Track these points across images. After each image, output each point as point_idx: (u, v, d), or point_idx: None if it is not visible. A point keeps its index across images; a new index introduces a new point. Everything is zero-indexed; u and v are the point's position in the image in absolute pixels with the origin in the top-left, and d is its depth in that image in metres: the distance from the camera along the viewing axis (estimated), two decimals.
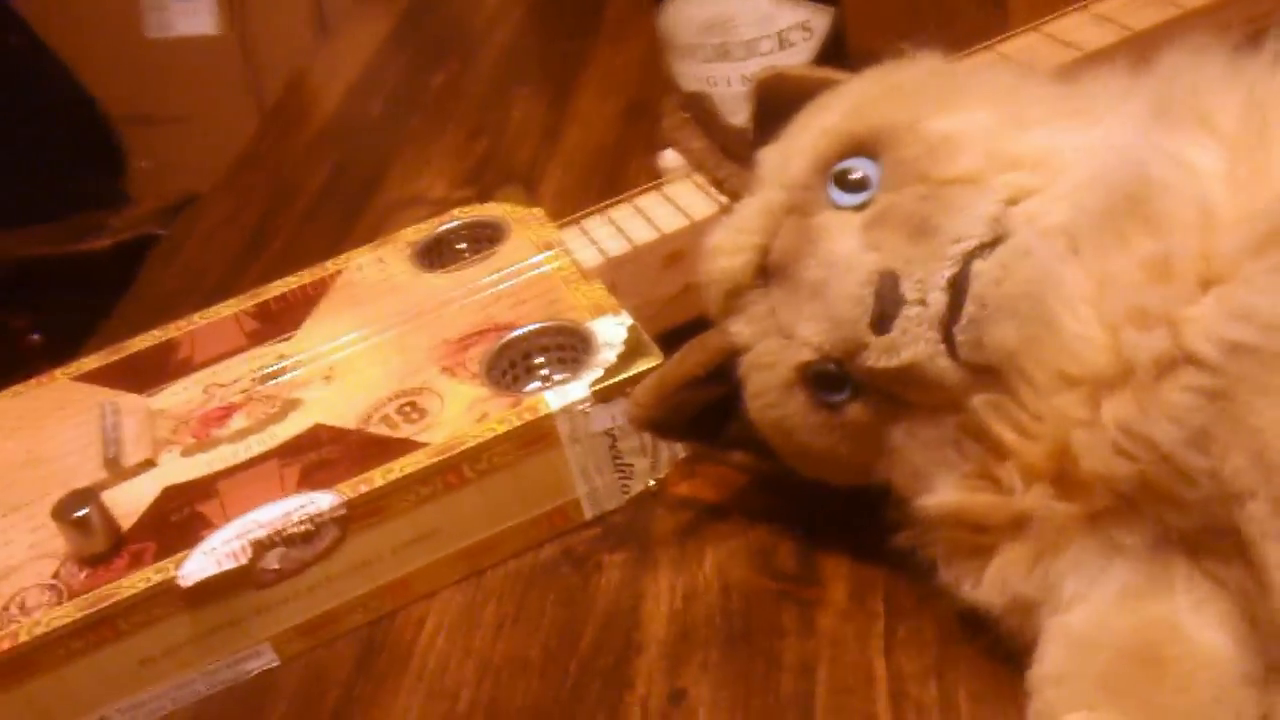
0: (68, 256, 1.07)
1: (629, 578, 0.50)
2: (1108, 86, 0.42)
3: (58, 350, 1.09)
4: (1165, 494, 0.34)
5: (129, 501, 0.51)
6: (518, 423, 0.50)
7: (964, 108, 0.41)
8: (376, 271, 0.62)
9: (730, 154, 0.47)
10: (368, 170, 0.86)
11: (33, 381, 0.61)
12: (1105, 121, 0.40)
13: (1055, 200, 0.38)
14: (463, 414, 0.51)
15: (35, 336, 1.09)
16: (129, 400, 0.57)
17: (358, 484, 0.49)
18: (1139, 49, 0.62)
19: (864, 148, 0.41)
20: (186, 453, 0.53)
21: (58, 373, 0.61)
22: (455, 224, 0.64)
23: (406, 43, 1.06)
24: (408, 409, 0.52)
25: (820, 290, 0.40)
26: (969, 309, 0.37)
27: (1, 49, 1.93)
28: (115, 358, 0.61)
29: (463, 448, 0.49)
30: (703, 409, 0.46)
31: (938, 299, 0.37)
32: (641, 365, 0.51)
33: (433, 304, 0.58)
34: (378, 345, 0.57)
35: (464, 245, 0.63)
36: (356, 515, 0.49)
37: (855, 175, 0.41)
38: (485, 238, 0.63)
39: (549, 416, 0.50)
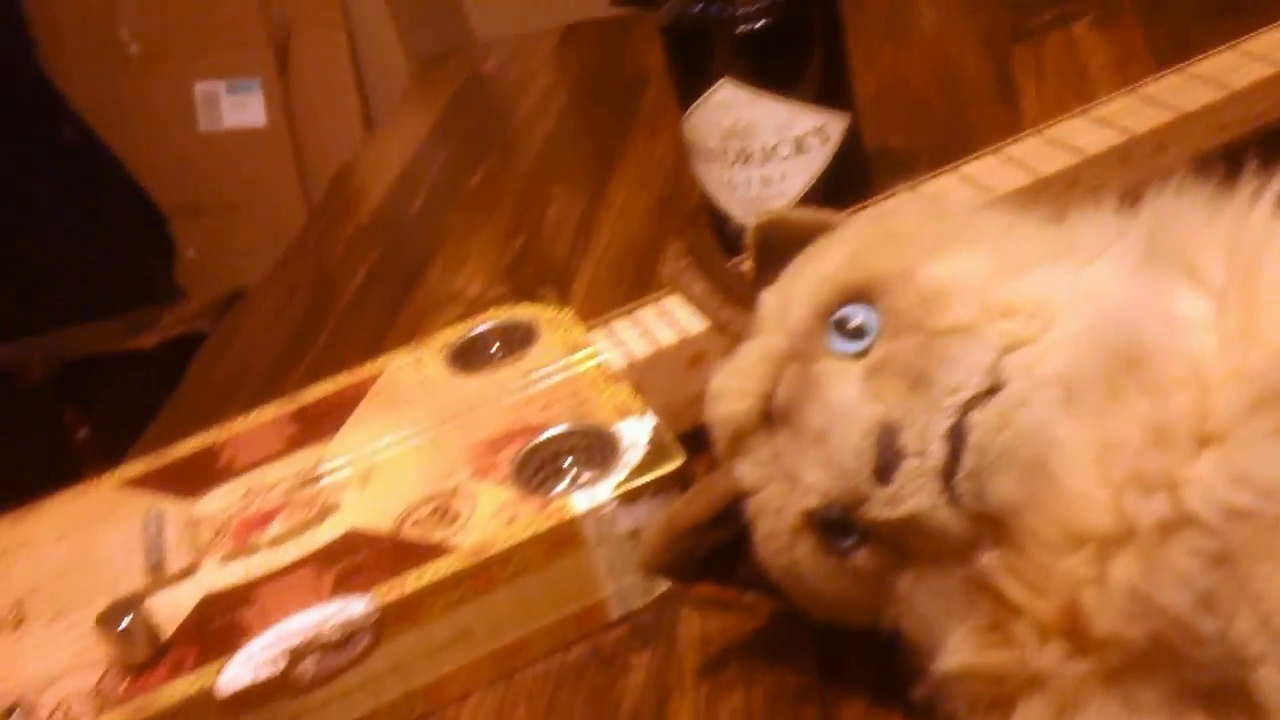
0: (116, 354, 1.10)
1: (655, 678, 0.51)
2: (1097, 226, 0.43)
3: (108, 445, 1.12)
4: (1179, 653, 0.34)
5: (170, 608, 0.52)
6: (545, 526, 0.51)
7: (957, 252, 0.42)
8: (413, 373, 0.64)
9: (732, 296, 0.48)
10: (408, 266, 0.88)
11: (82, 486, 0.63)
12: (1096, 263, 0.41)
13: (1049, 349, 0.38)
14: (493, 517, 0.52)
15: (85, 431, 1.11)
16: (172, 506, 0.59)
17: (391, 589, 0.50)
18: (1136, 152, 0.64)
19: (862, 295, 0.42)
20: (226, 559, 0.55)
21: (105, 477, 0.63)
22: (489, 325, 0.66)
23: (448, 138, 1.09)
24: (440, 512, 0.54)
25: (823, 438, 0.40)
26: (969, 459, 0.37)
27: (55, 142, 1.99)
28: (161, 463, 0.63)
29: (492, 551, 0.51)
30: (713, 550, 0.47)
31: (937, 450, 0.38)
32: (665, 467, 0.52)
33: (466, 406, 0.60)
34: (413, 449, 0.58)
35: (497, 347, 0.65)
36: (390, 620, 0.50)
37: (853, 323, 0.42)
38: (517, 339, 0.65)
39: (575, 519, 0.51)
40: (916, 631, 0.41)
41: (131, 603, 0.51)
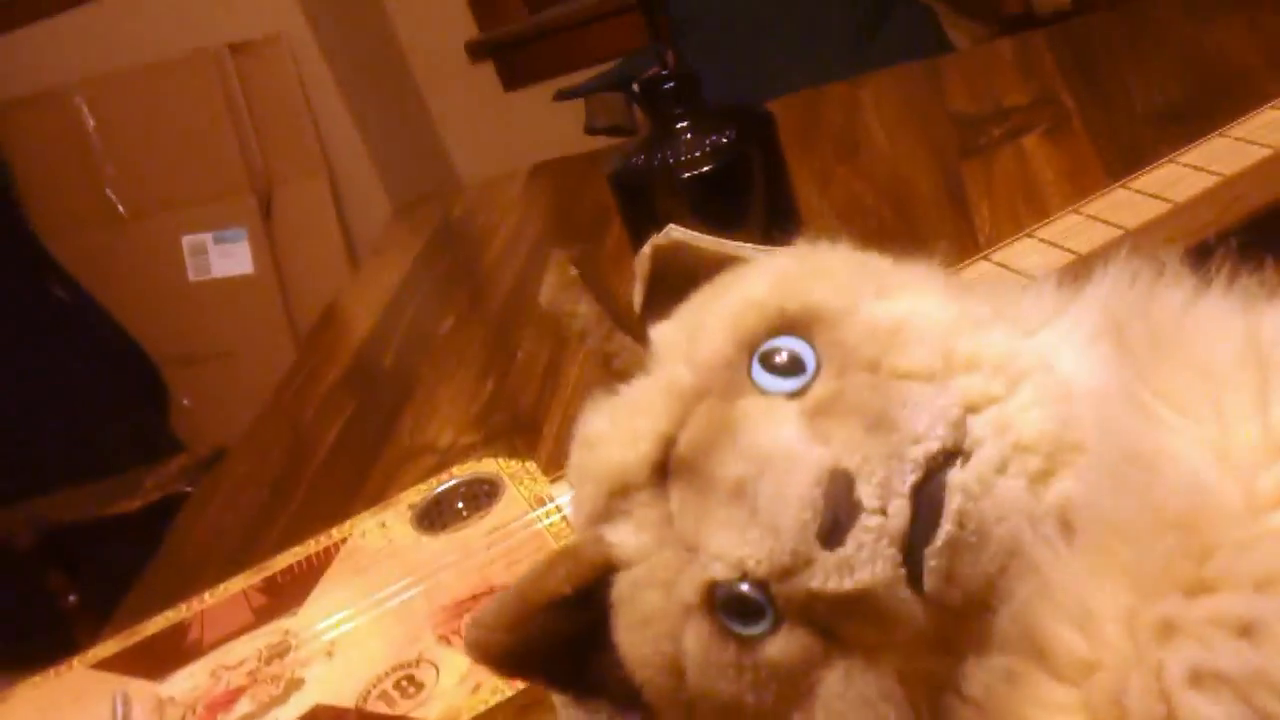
0: (100, 520, 1.10)
1: None
2: (1037, 298, 0.38)
3: (95, 609, 1.12)
4: None
5: None
6: (510, 692, 0.51)
7: (904, 293, 0.36)
8: (379, 537, 0.64)
9: (624, 323, 0.39)
10: (381, 420, 0.89)
11: (51, 671, 0.63)
12: (1041, 334, 0.36)
13: (1021, 412, 0.33)
14: (457, 685, 0.52)
15: (72, 598, 1.11)
16: (140, 688, 0.59)
17: None
18: (1084, 272, 0.64)
19: (795, 326, 0.35)
20: None
21: (75, 661, 0.63)
22: (453, 483, 0.66)
23: (420, 286, 1.11)
24: (405, 683, 0.53)
25: (744, 491, 0.33)
26: (946, 528, 0.31)
27: (47, 302, 2.01)
28: (130, 642, 0.63)
29: None
30: (560, 643, 0.37)
31: (900, 509, 0.31)
32: None
33: (431, 569, 0.60)
34: (378, 616, 0.58)
35: (462, 505, 0.65)
36: None
37: (782, 358, 0.35)
38: (482, 494, 0.65)
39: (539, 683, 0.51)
40: None
41: None
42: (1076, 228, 0.67)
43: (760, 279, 0.38)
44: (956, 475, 0.31)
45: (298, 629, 0.59)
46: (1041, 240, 0.67)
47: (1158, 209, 0.66)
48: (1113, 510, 0.31)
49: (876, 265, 0.39)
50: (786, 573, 0.31)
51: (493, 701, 0.51)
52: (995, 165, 0.90)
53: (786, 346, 0.35)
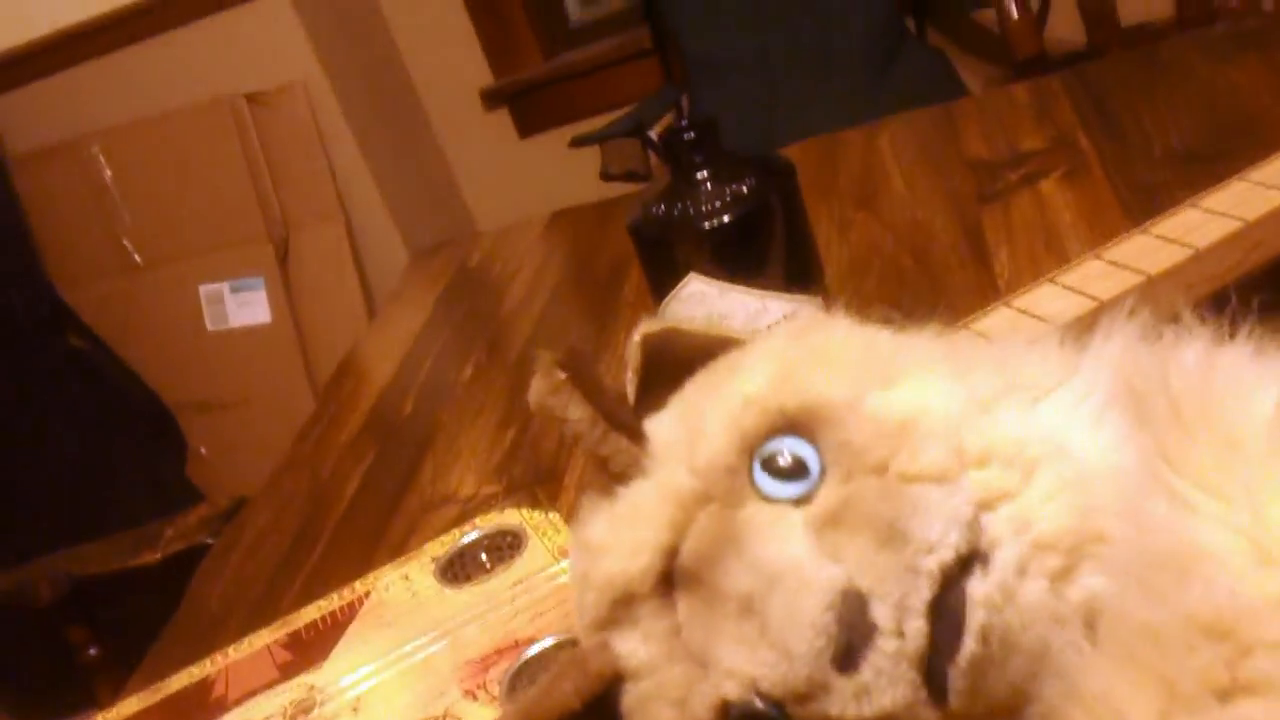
0: (121, 572, 1.10)
1: None
2: (1042, 358, 0.37)
3: (116, 663, 1.12)
4: None
5: None
6: None
7: (912, 380, 0.35)
8: (403, 590, 0.64)
9: (619, 423, 0.37)
10: (401, 470, 0.89)
11: None
12: (1049, 400, 0.35)
13: (1037, 507, 0.32)
14: None
15: (93, 651, 1.11)
16: None
17: None
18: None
19: (797, 426, 0.34)
20: None
21: (99, 718, 0.63)
22: (476, 535, 0.66)
23: (439, 334, 1.11)
24: None
25: (754, 608, 0.32)
26: (969, 645, 0.30)
27: (64, 351, 2.02)
28: (154, 700, 0.63)
29: None
30: None
31: (918, 630, 0.30)
32: None
33: (455, 623, 0.60)
34: (403, 671, 0.58)
35: (485, 556, 0.65)
36: None
37: (785, 460, 0.34)
38: (506, 546, 0.65)
39: None
40: None
41: None
42: (1097, 273, 0.67)
43: (757, 371, 0.36)
44: (978, 586, 0.30)
45: (323, 684, 0.59)
46: (1063, 286, 0.67)
47: (1179, 255, 0.66)
48: (1144, 615, 0.30)
49: (877, 344, 0.38)
50: (803, 698, 0.31)
51: None
52: (1013, 210, 0.90)
53: (789, 449, 0.34)
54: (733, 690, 0.32)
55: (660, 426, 0.37)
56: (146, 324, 2.16)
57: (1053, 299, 0.65)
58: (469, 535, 0.66)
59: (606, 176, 1.86)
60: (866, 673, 0.30)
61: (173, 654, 0.74)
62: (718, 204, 0.67)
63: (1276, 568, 0.29)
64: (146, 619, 0.88)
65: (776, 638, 0.31)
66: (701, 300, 0.69)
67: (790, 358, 0.37)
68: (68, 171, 2.17)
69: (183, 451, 2.12)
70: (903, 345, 0.38)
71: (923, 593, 0.30)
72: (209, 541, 1.00)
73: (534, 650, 0.56)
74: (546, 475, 0.80)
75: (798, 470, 0.33)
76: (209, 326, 2.13)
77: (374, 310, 2.06)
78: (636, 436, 0.37)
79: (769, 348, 0.38)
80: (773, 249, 0.69)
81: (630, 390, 0.39)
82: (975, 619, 0.30)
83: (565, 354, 0.38)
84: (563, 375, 0.37)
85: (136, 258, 2.17)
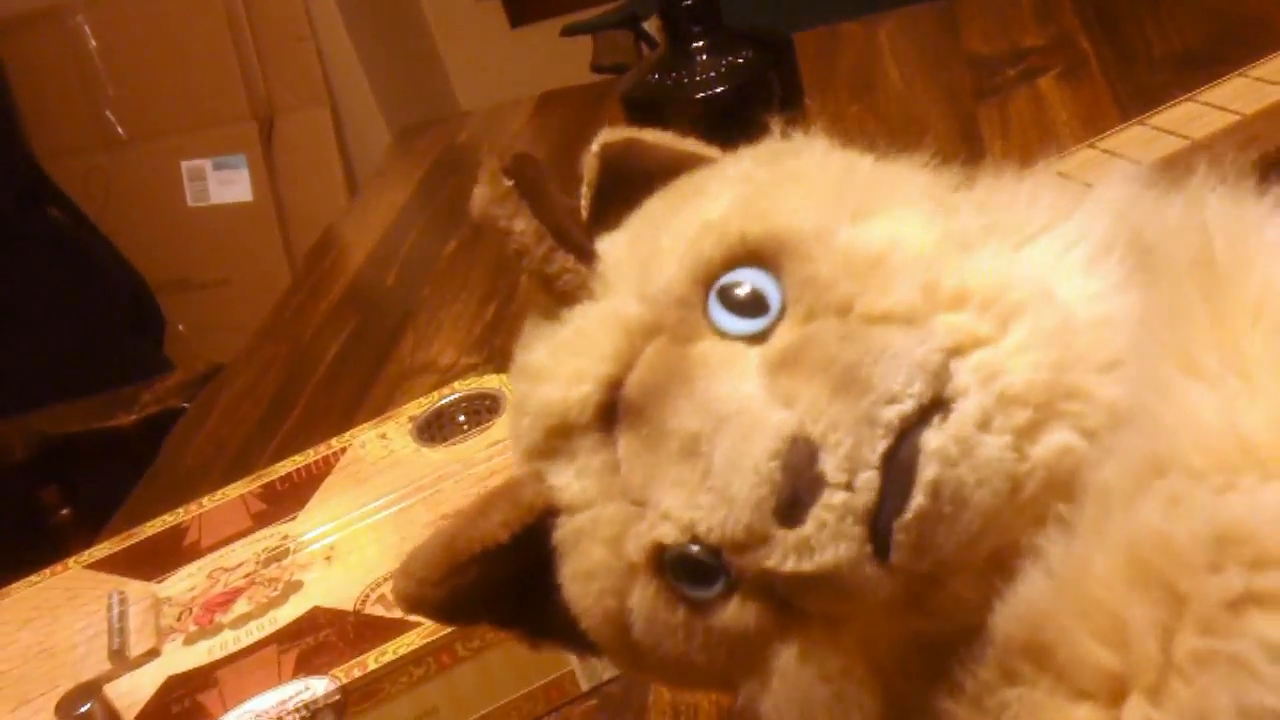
0: (95, 433, 1.10)
1: None
2: (1033, 199, 0.33)
3: (88, 525, 1.12)
4: None
5: (133, 692, 0.52)
6: None
7: (886, 213, 0.32)
8: (379, 448, 0.64)
9: (568, 240, 0.34)
10: (382, 339, 0.88)
11: (47, 571, 0.63)
12: (1038, 243, 0.32)
13: (1013, 356, 0.29)
14: None
15: (65, 511, 1.11)
16: (136, 588, 0.58)
17: (352, 668, 0.49)
18: None
19: (759, 257, 0.31)
20: (189, 641, 0.54)
21: (71, 561, 0.63)
22: (454, 397, 0.66)
23: (423, 210, 1.10)
24: None
25: (699, 449, 0.29)
26: (918, 500, 0.27)
27: (44, 223, 2.00)
28: (127, 544, 0.63)
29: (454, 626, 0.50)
30: (501, 584, 0.34)
31: (869, 481, 0.27)
32: None
33: (431, 479, 0.60)
34: (377, 524, 0.58)
35: (463, 418, 0.65)
36: (352, 700, 0.49)
37: (743, 293, 0.31)
38: (484, 409, 0.65)
39: None
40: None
41: (91, 689, 0.50)
42: (1092, 162, 0.66)
43: (723, 193, 0.33)
44: (933, 437, 0.28)
45: (296, 534, 0.59)
46: (1057, 174, 0.66)
47: (1175, 145, 0.66)
48: (1147, 514, 0.27)
49: (856, 171, 0.34)
50: (741, 547, 0.29)
51: None
52: (1010, 106, 0.89)
53: (749, 281, 0.31)
54: (668, 534, 0.30)
55: (613, 247, 0.34)
56: (127, 198, 2.13)
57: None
58: (447, 397, 0.66)
59: (598, 68, 1.83)
60: (809, 526, 0.28)
61: (146, 509, 0.74)
62: (713, 74, 0.66)
63: None
64: (120, 483, 0.88)
65: (718, 482, 0.29)
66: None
67: (759, 181, 0.34)
68: (50, 40, 2.13)
69: (161, 328, 2.10)
70: (883, 176, 0.34)
71: (878, 445, 0.27)
72: (185, 406, 1.00)
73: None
74: None
75: (756, 304, 0.31)
76: (189, 202, 2.11)
77: (356, 193, 2.04)
78: (586, 256, 0.34)
79: (738, 169, 0.35)
80: (767, 124, 0.68)
81: (585, 205, 0.35)
82: (928, 473, 0.27)
83: (513, 160, 0.34)
84: (508, 183, 0.34)
85: (119, 130, 2.14)
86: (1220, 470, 0.26)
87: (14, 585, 0.62)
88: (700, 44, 0.66)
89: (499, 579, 0.34)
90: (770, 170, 0.34)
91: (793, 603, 0.29)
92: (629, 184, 0.35)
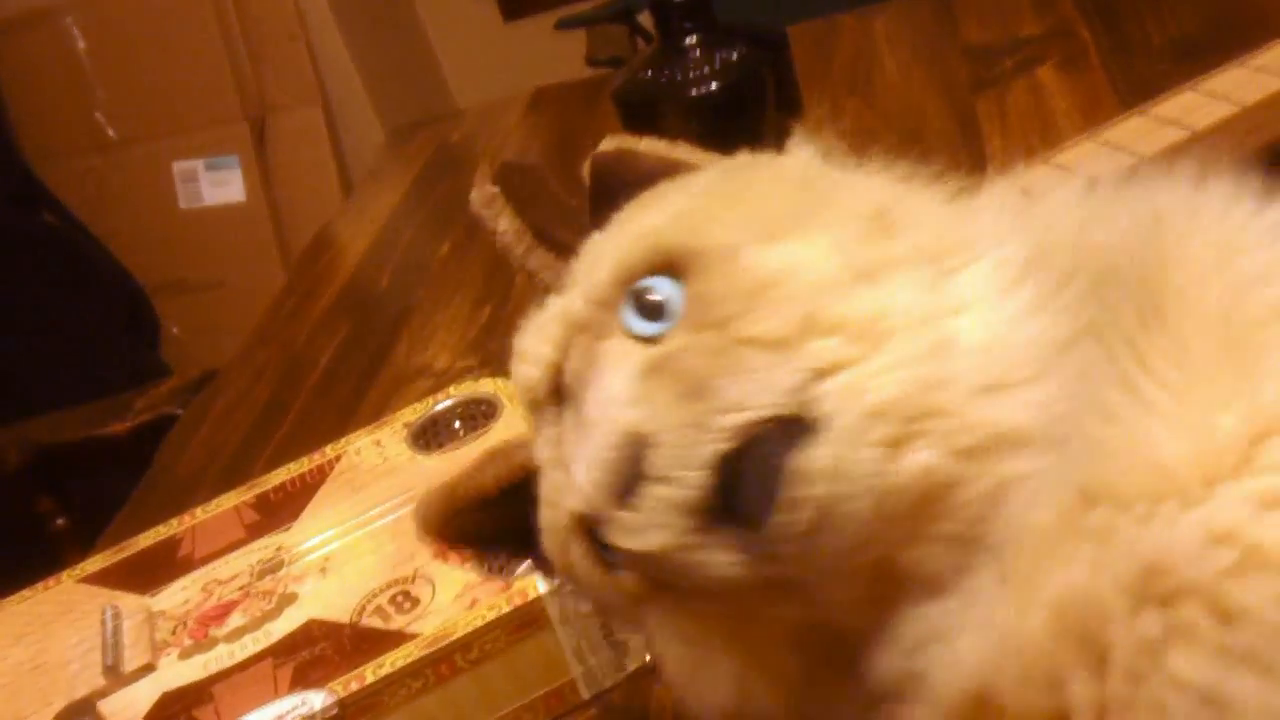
0: (89, 441, 1.09)
1: None
2: (994, 222, 0.35)
3: (84, 533, 1.11)
4: None
5: (128, 709, 0.51)
6: (507, 608, 0.50)
7: (804, 237, 0.34)
8: (374, 455, 0.63)
9: (547, 239, 0.40)
10: (376, 343, 0.88)
11: (40, 585, 0.62)
12: (970, 269, 0.33)
13: (878, 375, 0.31)
14: (454, 601, 0.51)
15: (61, 520, 1.10)
16: (130, 602, 0.58)
17: (350, 681, 0.49)
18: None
19: (674, 266, 0.34)
20: (184, 655, 0.53)
21: (64, 575, 0.62)
22: (450, 403, 0.65)
23: (417, 211, 1.09)
24: (400, 599, 0.52)
25: (587, 433, 0.33)
26: (777, 514, 0.30)
27: (36, 227, 1.99)
28: (120, 557, 0.62)
29: (453, 638, 0.49)
30: (505, 522, 0.39)
31: (695, 480, 0.30)
32: None
33: (426, 487, 0.59)
34: (372, 533, 0.57)
35: (459, 424, 0.64)
36: (350, 713, 0.49)
37: (650, 298, 0.34)
38: (480, 414, 0.64)
39: (538, 600, 0.50)
40: (674, 679, 0.35)
41: (85, 706, 0.50)
42: (1091, 154, 0.66)
43: (668, 204, 0.36)
44: (798, 456, 0.29)
45: (290, 545, 0.58)
46: (1055, 166, 0.65)
47: (1175, 136, 0.65)
48: (1072, 576, 0.28)
49: (797, 190, 0.36)
50: (592, 522, 0.33)
51: (489, 617, 0.50)
52: (1008, 97, 0.89)
53: (657, 288, 0.34)
54: (577, 504, 0.34)
55: (587, 247, 0.38)
56: (120, 201, 2.12)
57: (1046, 180, 0.64)
58: (443, 403, 0.65)
59: (593, 62, 1.82)
60: (638, 512, 0.31)
61: (141, 519, 0.73)
62: (706, 71, 0.65)
63: (1217, 492, 0.27)
64: (114, 491, 0.88)
65: (578, 465, 0.33)
66: None
67: (704, 194, 0.37)
68: (40, 42, 2.11)
69: (155, 331, 2.10)
70: (824, 195, 0.36)
71: (704, 447, 0.30)
72: (178, 412, 0.99)
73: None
74: None
75: (658, 311, 0.34)
76: (182, 204, 2.09)
77: (350, 193, 2.03)
78: (564, 253, 0.38)
79: (695, 182, 0.38)
80: (761, 121, 0.67)
81: (588, 209, 0.39)
82: (787, 488, 0.29)
83: (501, 168, 0.39)
84: (494, 188, 0.40)
85: (110, 133, 2.13)
86: (1144, 498, 0.27)
87: (6, 600, 0.62)
88: (692, 40, 0.65)
89: (501, 520, 0.39)
90: (722, 184, 0.37)
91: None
92: (624, 187, 0.38)
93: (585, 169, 0.39)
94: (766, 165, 0.38)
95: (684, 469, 0.30)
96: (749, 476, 0.30)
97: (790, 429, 0.30)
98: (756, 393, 0.30)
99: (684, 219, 0.35)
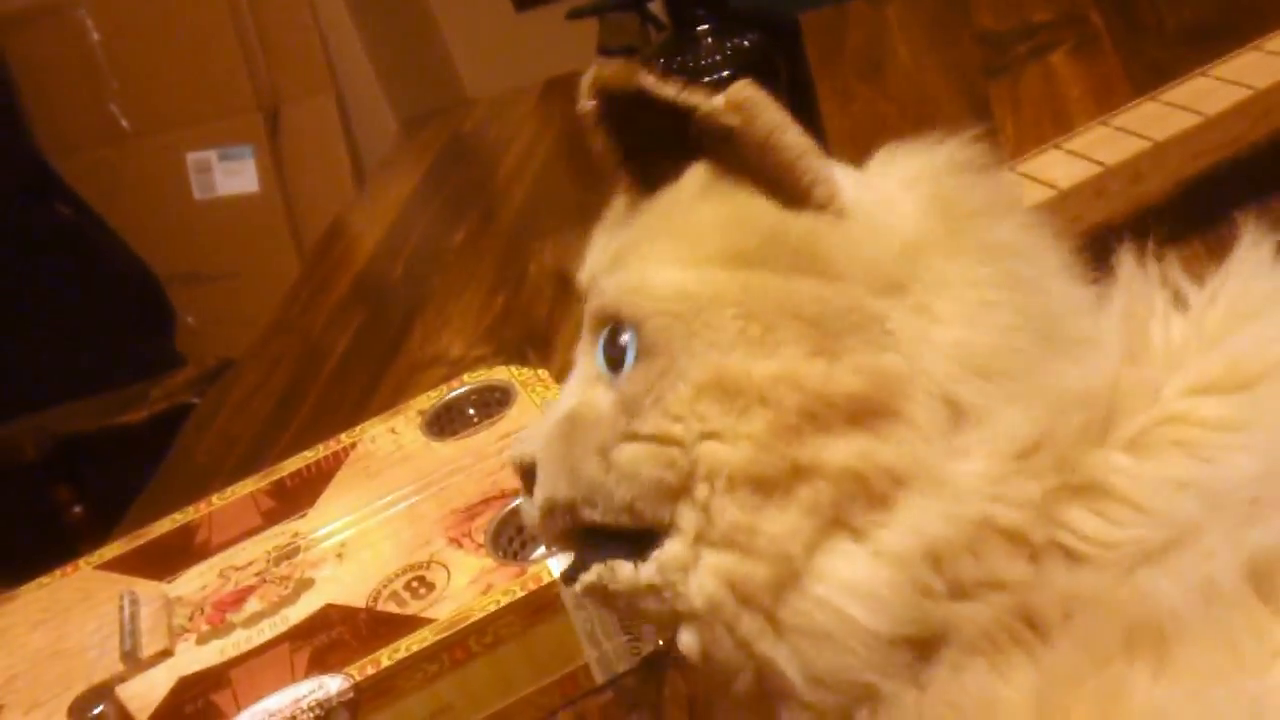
0: (107, 430, 1.10)
1: None
2: None
3: (100, 522, 1.12)
4: None
5: (145, 694, 0.51)
6: (521, 593, 0.50)
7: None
8: (389, 442, 0.63)
9: (632, 161, 0.39)
10: (391, 331, 0.88)
11: (58, 572, 0.62)
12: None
13: (704, 560, 0.35)
14: (469, 586, 0.51)
15: (78, 509, 1.11)
16: (148, 588, 0.58)
17: (366, 665, 0.49)
18: (1112, 184, 0.63)
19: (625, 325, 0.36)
20: (201, 640, 0.54)
21: (81, 562, 0.62)
22: (464, 390, 0.65)
23: (430, 200, 1.09)
24: (415, 584, 0.53)
25: None
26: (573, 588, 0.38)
27: (51, 219, 1.99)
28: (137, 543, 0.62)
29: (468, 622, 0.50)
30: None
31: (536, 514, 0.39)
32: None
33: (441, 473, 0.59)
34: (388, 519, 0.58)
35: (473, 411, 0.64)
36: (366, 698, 0.49)
37: (616, 346, 0.36)
38: (494, 401, 0.64)
39: (552, 584, 0.50)
40: None
41: (103, 691, 0.50)
42: (1104, 139, 0.66)
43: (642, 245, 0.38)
44: (604, 564, 0.37)
45: (306, 531, 0.59)
46: (1068, 152, 0.65)
47: (1188, 121, 0.65)
48: None
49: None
50: None
51: (503, 602, 0.50)
52: (1021, 83, 0.88)
53: (623, 340, 0.36)
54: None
55: (596, 234, 0.41)
56: (133, 192, 2.13)
57: (1058, 164, 0.64)
58: (457, 390, 0.66)
59: (604, 52, 1.82)
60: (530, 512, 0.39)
61: (157, 506, 0.74)
62: (718, 58, 0.65)
63: None
64: (131, 480, 0.88)
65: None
66: None
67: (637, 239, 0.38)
68: (53, 34, 2.12)
69: (171, 321, 2.10)
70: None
71: (555, 521, 0.38)
72: (195, 401, 1.00)
73: (519, 501, 0.55)
74: (538, 339, 0.79)
75: (619, 361, 0.36)
76: (196, 195, 2.10)
77: (363, 182, 2.04)
78: (646, 180, 0.39)
79: (663, 209, 0.38)
80: None
81: (598, 135, 0.38)
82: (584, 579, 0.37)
83: (603, 85, 0.37)
84: (591, 103, 0.37)
85: (124, 124, 2.13)
86: None
87: (24, 587, 0.62)
88: (705, 28, 0.65)
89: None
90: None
91: None
92: (633, 112, 0.37)
93: (585, 87, 0.37)
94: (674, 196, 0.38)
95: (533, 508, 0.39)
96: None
97: (636, 537, 0.36)
98: (607, 498, 0.36)
99: (652, 282, 0.36)
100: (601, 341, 0.37)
